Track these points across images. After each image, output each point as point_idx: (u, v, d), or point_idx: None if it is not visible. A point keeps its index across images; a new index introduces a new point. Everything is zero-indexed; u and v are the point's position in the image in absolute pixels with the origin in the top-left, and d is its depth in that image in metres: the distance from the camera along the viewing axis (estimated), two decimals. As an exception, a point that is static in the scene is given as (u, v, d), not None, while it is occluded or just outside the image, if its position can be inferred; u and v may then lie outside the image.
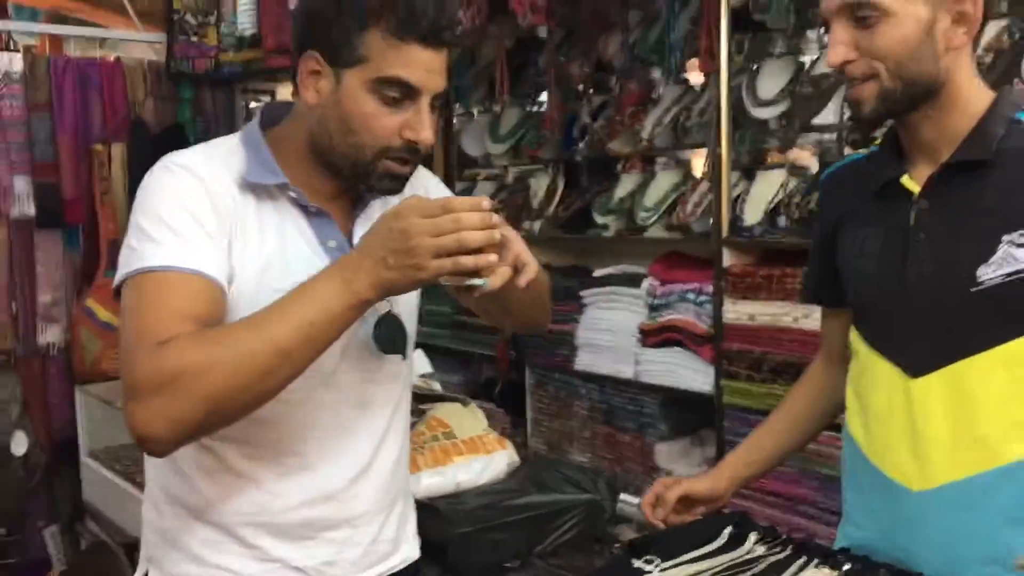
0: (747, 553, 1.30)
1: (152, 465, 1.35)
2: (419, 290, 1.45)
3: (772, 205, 2.55)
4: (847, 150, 2.46)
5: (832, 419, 1.55)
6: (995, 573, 1.22)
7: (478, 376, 3.84)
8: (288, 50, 3.25)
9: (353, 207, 1.32)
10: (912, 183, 1.29)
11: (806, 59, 2.62)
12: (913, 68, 1.20)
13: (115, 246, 3.54)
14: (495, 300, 1.29)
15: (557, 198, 3.31)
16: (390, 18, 1.16)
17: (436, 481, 1.58)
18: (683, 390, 2.82)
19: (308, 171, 1.26)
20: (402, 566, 1.42)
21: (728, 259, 2.65)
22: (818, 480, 2.39)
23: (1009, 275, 1.20)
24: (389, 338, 1.32)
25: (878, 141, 1.41)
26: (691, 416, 2.92)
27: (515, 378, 3.51)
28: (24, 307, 3.54)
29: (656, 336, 2.88)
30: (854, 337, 1.41)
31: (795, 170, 2.61)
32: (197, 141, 3.92)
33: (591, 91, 3.16)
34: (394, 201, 1.35)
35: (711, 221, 2.68)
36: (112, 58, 3.94)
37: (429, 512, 1.52)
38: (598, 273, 3.15)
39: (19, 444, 3.46)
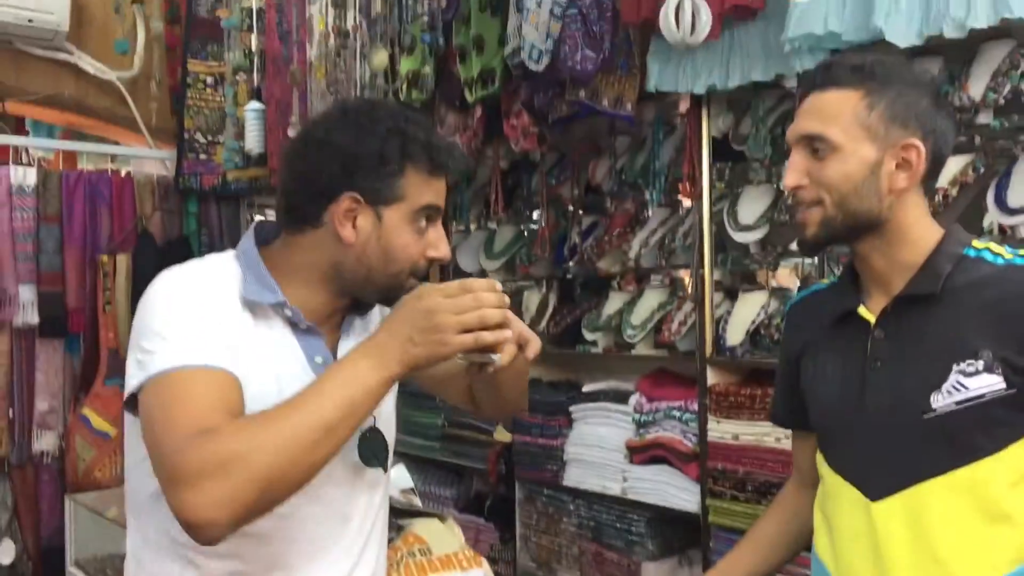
0: None
1: (136, 573, 1.37)
2: (395, 402, 1.52)
3: (753, 326, 2.62)
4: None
5: (806, 542, 1.58)
6: None
7: (469, 490, 3.83)
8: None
9: (338, 325, 1.40)
10: (868, 313, 1.36)
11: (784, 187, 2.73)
12: (855, 201, 1.30)
13: (115, 355, 3.61)
14: (491, 381, 1.39)
15: (548, 314, 3.39)
16: (426, 161, 1.30)
17: (411, 599, 1.59)
18: (670, 508, 2.83)
19: (307, 291, 1.33)
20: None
21: (712, 378, 2.69)
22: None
23: (960, 402, 1.26)
24: (372, 452, 1.38)
25: (838, 273, 1.50)
26: (679, 535, 2.92)
27: (505, 492, 3.51)
28: (21, 414, 3.58)
29: (643, 453, 2.91)
30: (819, 460, 1.46)
31: (776, 292, 2.69)
32: (202, 252, 4.06)
33: (581, 212, 3.27)
34: (375, 314, 1.45)
35: (696, 340, 2.75)
36: (124, 172, 4.09)
37: (401, 630, 1.52)
38: (587, 388, 3.19)
39: (6, 553, 3.45)
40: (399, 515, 1.77)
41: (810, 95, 1.33)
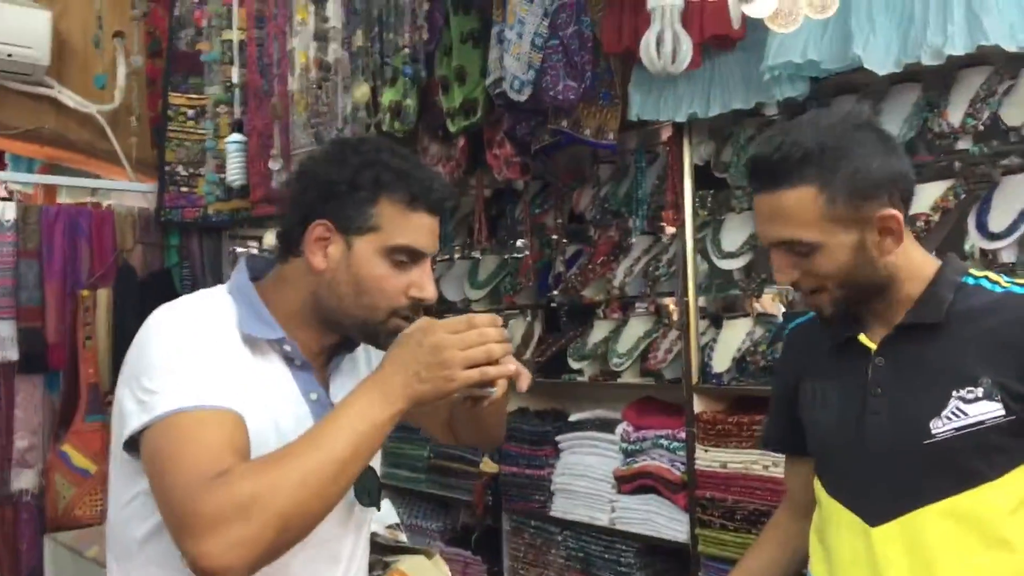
0: None
1: None
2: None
3: (739, 353, 2.61)
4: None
5: (799, 568, 1.57)
6: None
7: (456, 522, 3.79)
8: (272, 200, 3.42)
9: (328, 362, 1.38)
10: (868, 341, 1.37)
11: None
12: (856, 278, 1.31)
13: (95, 391, 3.57)
14: (473, 413, 1.40)
15: (534, 343, 3.38)
16: (402, 191, 1.27)
17: (398, 638, 1.56)
18: (659, 538, 2.81)
19: (298, 326, 1.32)
20: None
21: (699, 406, 2.69)
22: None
23: (959, 429, 1.27)
24: (367, 491, 1.37)
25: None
26: (668, 566, 2.89)
27: (492, 524, 3.47)
28: (1, 451, 3.52)
29: (631, 483, 2.89)
30: (816, 486, 1.45)
31: (761, 318, 2.69)
32: (183, 285, 3.99)
33: (565, 240, 3.27)
34: (362, 353, 1.44)
35: (682, 368, 2.74)
36: (104, 206, 4.06)
37: (388, 671, 1.50)
38: (574, 418, 3.18)
39: (-15, 595, 3.38)
40: (385, 552, 1.74)
41: (762, 195, 1.32)
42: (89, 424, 3.44)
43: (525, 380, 1.26)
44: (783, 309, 2.93)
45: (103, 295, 3.78)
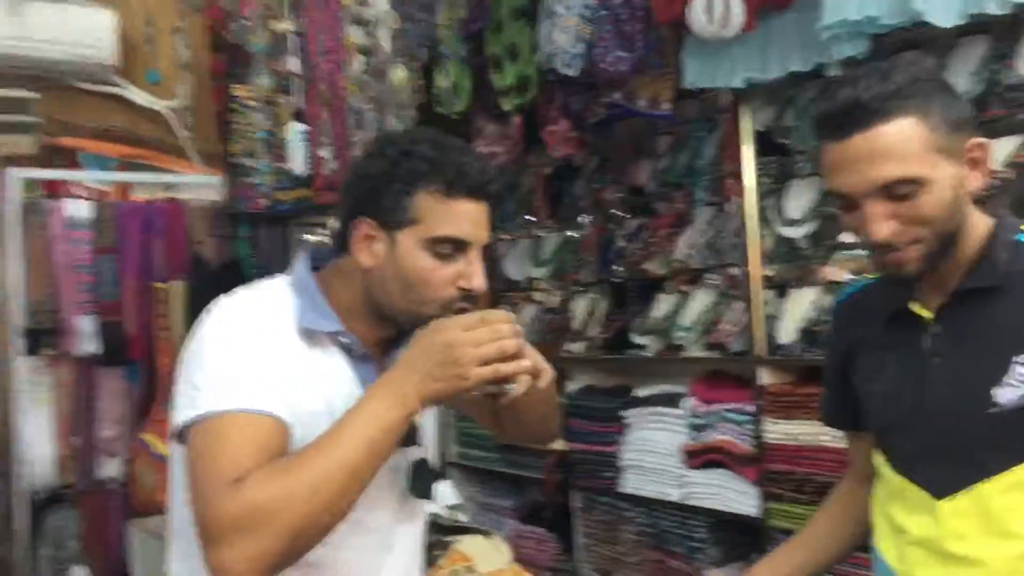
0: None
1: None
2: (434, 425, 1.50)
3: (806, 323, 2.54)
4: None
5: (861, 541, 1.52)
6: None
7: (528, 500, 3.80)
8: (332, 187, 3.45)
9: (386, 352, 1.38)
10: (923, 309, 1.31)
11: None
12: (950, 224, 1.23)
13: (172, 381, 3.66)
14: (511, 410, 1.38)
15: (598, 319, 3.35)
16: (438, 180, 1.25)
17: (458, 617, 1.57)
18: (730, 513, 2.77)
19: (356, 319, 1.32)
20: None
21: (766, 378, 2.63)
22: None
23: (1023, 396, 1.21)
24: (422, 484, 1.37)
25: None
26: (741, 540, 2.85)
27: (563, 501, 3.47)
28: (85, 442, 3.64)
29: (699, 457, 2.85)
30: (877, 459, 1.41)
31: (829, 287, 2.61)
32: (253, 274, 4.06)
33: (625, 215, 3.22)
34: None
35: (747, 340, 2.69)
36: (176, 200, 4.15)
37: (449, 650, 1.51)
38: (640, 393, 3.15)
39: (78, 579, 3.52)
40: (445, 532, 1.75)
41: (853, 138, 1.19)
42: (166, 412, 3.53)
43: (545, 377, 1.24)
44: (851, 277, 2.84)
45: (177, 287, 3.87)
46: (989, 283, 1.25)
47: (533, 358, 1.24)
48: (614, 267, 3.25)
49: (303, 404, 1.23)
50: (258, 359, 1.21)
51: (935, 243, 1.22)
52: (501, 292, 3.91)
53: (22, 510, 3.47)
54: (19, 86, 3.76)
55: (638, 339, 3.12)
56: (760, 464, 2.63)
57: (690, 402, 2.90)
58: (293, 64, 3.63)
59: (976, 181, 1.24)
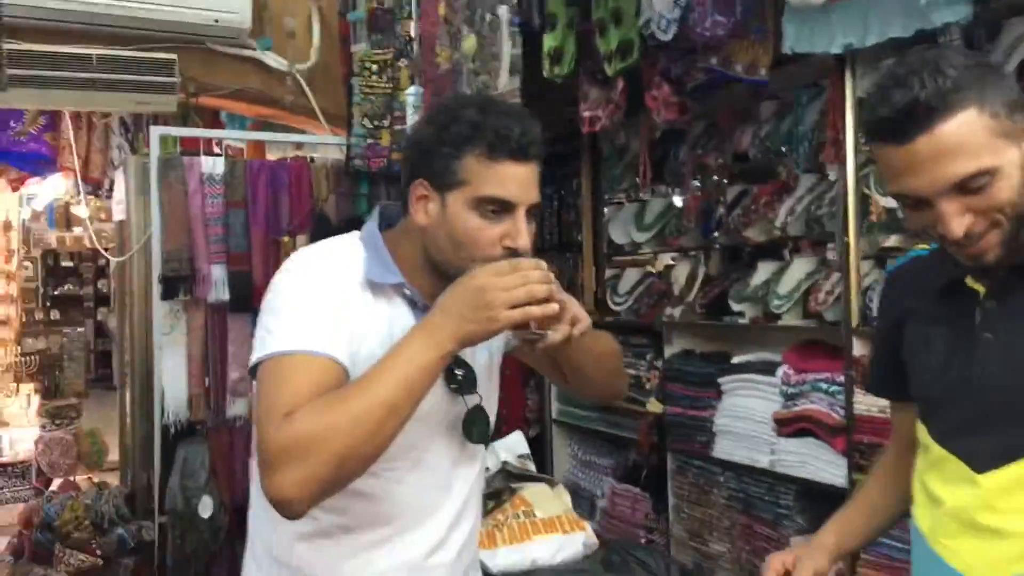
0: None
1: (256, 526, 1.53)
2: (497, 379, 1.60)
3: (901, 295, 2.50)
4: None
5: (908, 506, 1.54)
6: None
7: (627, 460, 3.88)
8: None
9: None
10: (976, 283, 1.30)
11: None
12: (1021, 204, 1.21)
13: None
14: (568, 364, 1.48)
15: (698, 285, 3.36)
16: (481, 143, 1.33)
17: (513, 558, 1.68)
18: (817, 482, 2.77)
19: (419, 274, 1.42)
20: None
21: (859, 349, 2.60)
22: None
23: None
24: (477, 429, 1.47)
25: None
26: (827, 509, 2.81)
27: (659, 463, 3.53)
28: (216, 382, 3.93)
29: (790, 426, 2.85)
30: (920, 431, 1.42)
31: (928, 259, 2.55)
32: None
33: (726, 181, 3.21)
34: None
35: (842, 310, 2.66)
36: (302, 158, 4.38)
37: (502, 586, 1.61)
38: (737, 360, 3.16)
39: (206, 508, 3.81)
40: (511, 479, 1.85)
41: (916, 142, 1.17)
42: (286, 358, 3.76)
43: (580, 326, 1.30)
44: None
45: (302, 241, 4.08)
46: None
47: (570, 306, 1.31)
48: (715, 233, 3.26)
49: (364, 349, 1.33)
50: (323, 306, 1.32)
51: (1011, 226, 1.21)
52: (608, 256, 3.98)
53: (159, 442, 3.79)
54: (160, 49, 4.03)
55: (736, 306, 3.12)
56: (849, 435, 2.62)
57: (783, 370, 2.89)
58: (412, 28, 3.77)
59: None
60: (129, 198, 4.30)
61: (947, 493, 1.34)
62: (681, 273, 3.43)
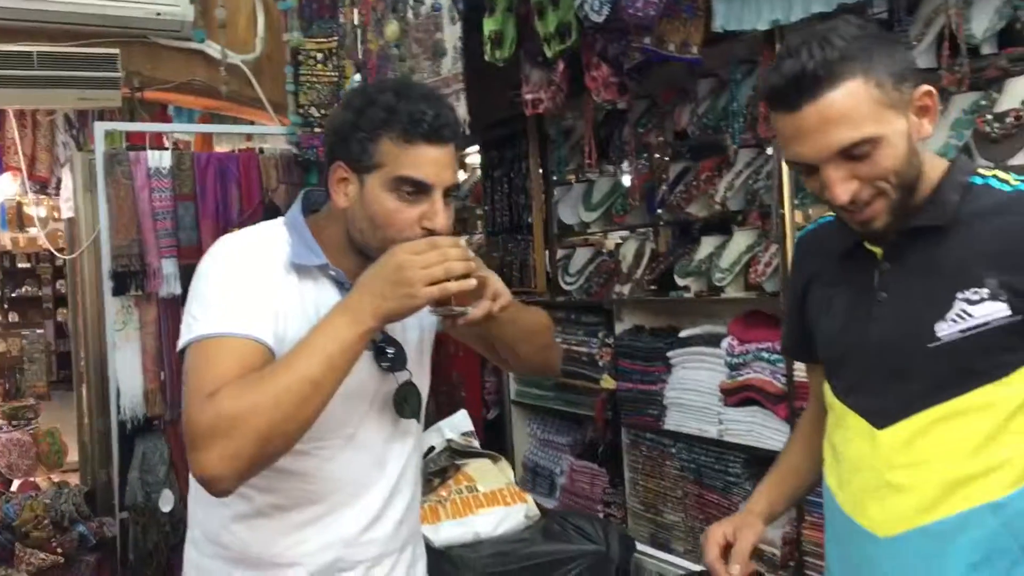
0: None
1: (194, 510, 1.56)
2: (429, 356, 1.63)
3: (835, 263, 2.57)
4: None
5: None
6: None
7: (584, 437, 3.93)
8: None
9: None
10: (874, 246, 1.36)
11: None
12: (909, 172, 1.27)
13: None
14: (500, 340, 1.52)
15: (644, 262, 3.42)
16: (396, 126, 1.35)
17: (457, 531, 1.72)
18: (764, 449, 2.84)
19: (343, 255, 1.45)
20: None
21: (797, 318, 2.66)
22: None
23: (964, 331, 1.26)
24: (408, 405, 1.51)
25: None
26: (774, 475, 2.91)
27: (615, 438, 3.59)
28: (171, 377, 3.92)
29: (735, 395, 2.92)
30: (826, 391, 1.47)
31: (861, 228, 2.62)
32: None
33: (668, 159, 3.27)
34: None
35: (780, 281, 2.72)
36: (251, 149, 4.37)
37: (445, 559, 1.65)
38: (684, 334, 3.22)
39: (166, 502, 3.82)
40: (456, 456, 1.89)
41: (804, 109, 1.22)
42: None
43: (500, 301, 1.34)
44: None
45: (253, 232, 4.09)
46: (937, 222, 1.29)
47: (491, 282, 1.35)
48: (659, 211, 3.31)
49: (290, 331, 1.37)
50: (247, 289, 1.35)
51: (897, 195, 1.27)
52: (558, 236, 4.02)
53: (116, 438, 3.78)
54: (103, 44, 4.00)
55: (681, 281, 3.18)
56: (790, 401, 2.69)
57: (727, 341, 2.96)
58: (356, 16, 3.77)
59: (926, 128, 1.28)
60: (77, 195, 4.28)
61: (851, 450, 1.39)
62: (628, 251, 3.49)
